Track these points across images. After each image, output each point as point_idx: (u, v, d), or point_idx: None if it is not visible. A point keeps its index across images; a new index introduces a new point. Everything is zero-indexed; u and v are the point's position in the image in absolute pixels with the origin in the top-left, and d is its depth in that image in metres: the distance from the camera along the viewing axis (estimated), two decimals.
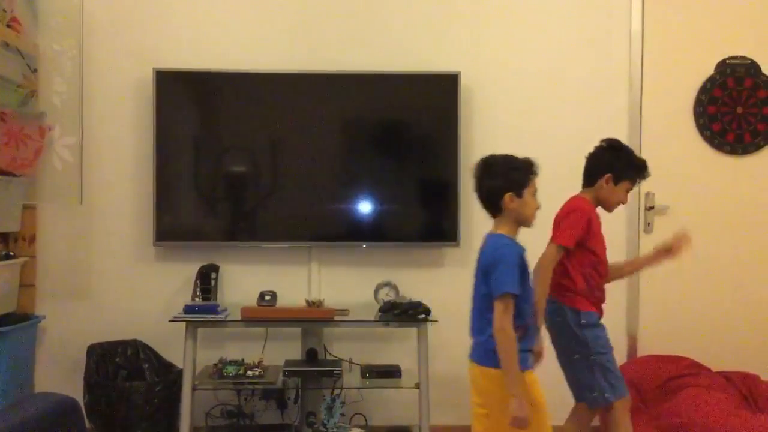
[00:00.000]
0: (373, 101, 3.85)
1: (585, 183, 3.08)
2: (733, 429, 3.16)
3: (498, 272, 2.39)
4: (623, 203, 3.06)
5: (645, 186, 3.99)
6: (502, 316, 2.37)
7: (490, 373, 2.44)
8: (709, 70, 4.01)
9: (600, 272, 2.98)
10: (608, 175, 2.98)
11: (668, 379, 3.59)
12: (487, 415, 2.50)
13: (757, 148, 4.01)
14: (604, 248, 3.01)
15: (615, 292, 3.95)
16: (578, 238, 2.89)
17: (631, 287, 3.97)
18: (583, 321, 2.92)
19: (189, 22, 3.89)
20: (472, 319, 2.56)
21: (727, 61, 4.00)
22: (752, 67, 4.00)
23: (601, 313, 2.99)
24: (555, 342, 3.04)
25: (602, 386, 2.88)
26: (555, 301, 2.96)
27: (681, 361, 3.73)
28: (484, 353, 2.45)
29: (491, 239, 2.52)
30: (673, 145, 4.03)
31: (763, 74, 4.01)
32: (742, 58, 4.01)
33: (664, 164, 4.01)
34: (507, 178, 2.47)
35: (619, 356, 3.89)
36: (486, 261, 2.47)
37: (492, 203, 2.51)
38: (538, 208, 2.52)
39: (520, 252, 2.45)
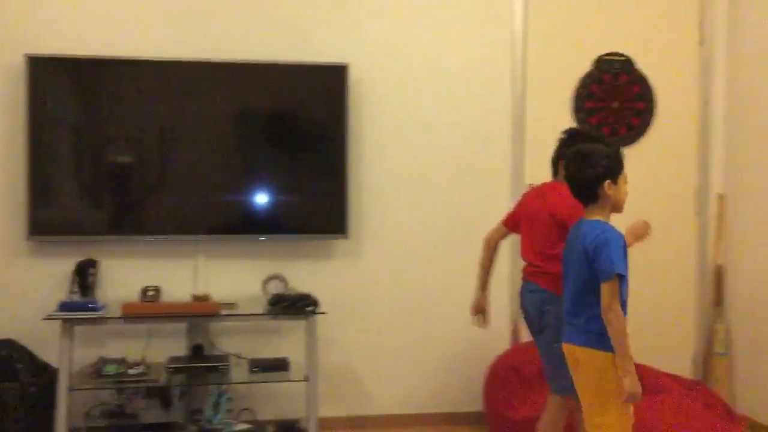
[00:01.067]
0: (261, 91, 3.78)
1: (553, 173, 3.19)
2: None
3: (606, 255, 2.46)
4: None
5: (528, 178, 4.12)
6: (611, 297, 2.45)
7: (591, 353, 2.52)
8: (587, 66, 4.17)
9: None
10: (561, 161, 3.07)
11: None
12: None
13: (632, 141, 4.20)
14: None
15: (499, 279, 4.08)
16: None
17: (513, 275, 4.09)
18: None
19: (66, 5, 3.70)
20: (567, 301, 2.63)
21: (604, 58, 4.17)
22: (627, 63, 4.19)
23: None
24: (537, 329, 3.08)
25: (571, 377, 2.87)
26: (545, 291, 3.02)
27: None
28: (585, 335, 2.54)
29: (589, 225, 2.57)
30: (555, 138, 4.15)
31: (637, 70, 4.20)
32: (618, 54, 4.19)
33: (546, 157, 4.13)
34: (605, 167, 2.55)
35: (503, 342, 4.05)
36: (589, 246, 2.51)
37: (589, 191, 2.57)
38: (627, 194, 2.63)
39: (622, 236, 2.54)
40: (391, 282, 3.99)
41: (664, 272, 4.26)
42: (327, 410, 3.87)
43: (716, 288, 4.22)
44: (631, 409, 2.52)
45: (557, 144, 3.21)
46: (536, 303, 3.05)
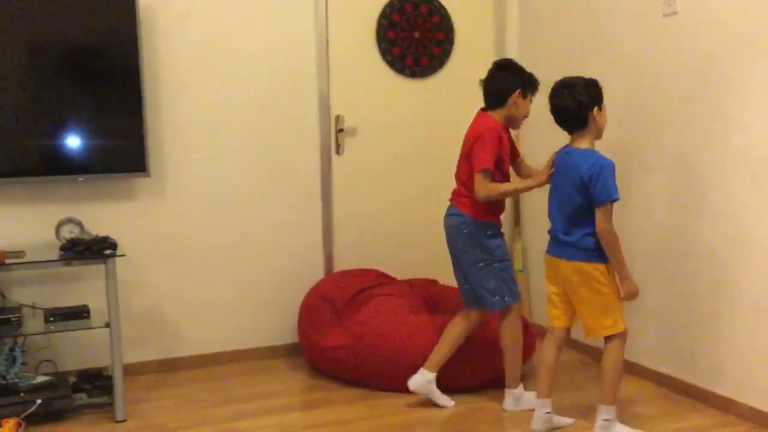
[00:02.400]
0: (46, 21, 3.44)
1: (493, 104, 3.18)
2: (408, 328, 3.46)
3: (602, 182, 2.76)
4: (527, 117, 3.23)
5: (335, 109, 4.12)
6: (607, 219, 2.80)
7: (581, 266, 2.85)
8: None
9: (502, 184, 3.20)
10: (519, 90, 3.13)
11: (359, 291, 3.80)
12: (566, 301, 2.97)
13: (433, 71, 4.30)
14: (508, 164, 3.22)
15: (312, 211, 4.11)
16: (496, 156, 3.09)
17: (326, 207, 4.12)
18: (489, 232, 3.18)
19: None
20: (557, 222, 2.92)
21: None
22: None
23: (501, 223, 3.26)
24: (459, 252, 3.24)
25: (503, 290, 3.17)
26: (461, 214, 3.19)
27: (370, 274, 3.97)
28: (580, 252, 2.85)
29: (582, 154, 2.83)
30: (359, 69, 4.18)
31: (437, 0, 4.27)
32: None
33: (351, 88, 4.17)
34: (592, 95, 2.82)
35: (316, 272, 4.09)
36: (584, 173, 2.78)
37: (579, 119, 2.84)
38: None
39: (612, 162, 2.81)
40: (198, 220, 3.88)
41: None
42: (137, 355, 3.77)
43: (515, 210, 4.48)
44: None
45: (505, 75, 3.17)
46: (455, 225, 3.23)
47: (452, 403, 3.29)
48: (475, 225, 3.18)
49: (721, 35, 3.11)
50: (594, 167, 2.78)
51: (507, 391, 3.25)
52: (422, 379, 3.26)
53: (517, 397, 3.25)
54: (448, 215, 3.27)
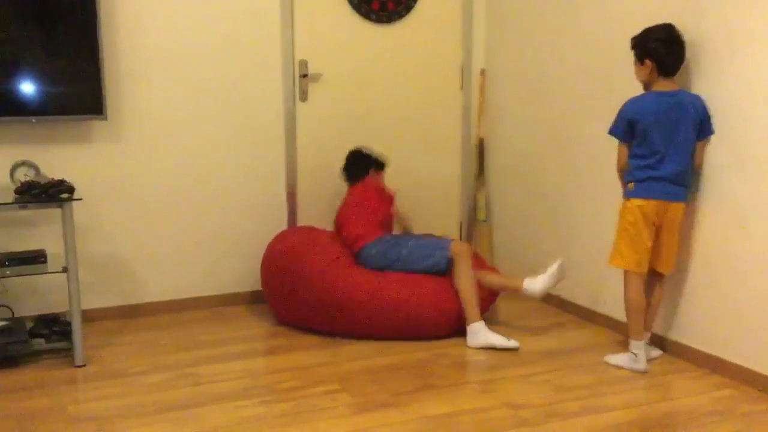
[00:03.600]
0: None
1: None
2: (371, 279, 3.50)
3: (709, 119, 2.96)
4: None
5: (298, 54, 4.04)
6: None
7: (683, 206, 3.01)
8: None
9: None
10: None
11: (324, 242, 3.77)
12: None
13: (400, 16, 4.22)
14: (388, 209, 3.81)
15: (275, 159, 4.05)
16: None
17: (290, 154, 4.07)
18: (370, 262, 3.59)
19: None
20: (674, 164, 2.95)
21: None
22: None
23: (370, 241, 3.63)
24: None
25: (431, 258, 3.52)
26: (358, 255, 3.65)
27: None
28: (684, 191, 2.99)
29: (686, 93, 2.99)
30: (323, 14, 4.08)
31: None
32: None
33: (316, 33, 4.08)
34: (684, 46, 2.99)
35: (280, 219, 4.08)
36: (701, 110, 2.95)
37: (679, 67, 2.98)
38: None
39: None
40: (157, 165, 3.79)
41: (433, 145, 4.43)
42: (97, 301, 3.72)
43: (479, 159, 4.47)
44: None
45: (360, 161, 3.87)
46: (365, 264, 3.63)
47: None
48: (364, 252, 3.61)
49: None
50: (704, 104, 2.97)
51: (467, 327, 3.43)
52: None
53: (474, 332, 3.40)
54: None
